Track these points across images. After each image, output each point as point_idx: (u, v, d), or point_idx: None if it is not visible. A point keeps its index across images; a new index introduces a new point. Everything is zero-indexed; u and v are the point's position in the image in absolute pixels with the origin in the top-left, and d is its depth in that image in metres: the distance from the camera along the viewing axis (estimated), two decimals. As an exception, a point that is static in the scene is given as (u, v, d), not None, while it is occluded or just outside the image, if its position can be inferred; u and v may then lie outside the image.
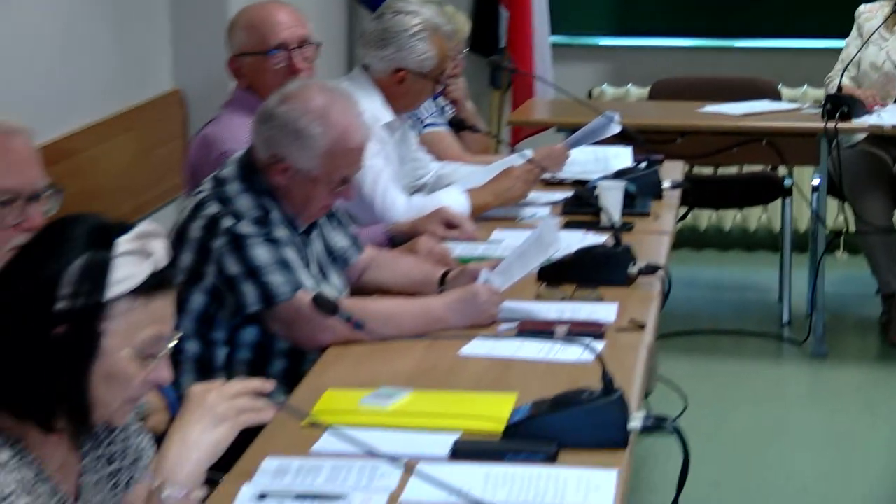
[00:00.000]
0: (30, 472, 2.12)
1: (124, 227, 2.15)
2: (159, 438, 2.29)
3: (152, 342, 2.15)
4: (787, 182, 6.58)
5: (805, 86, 7.33)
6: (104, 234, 2.13)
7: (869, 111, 5.97)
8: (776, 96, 6.75)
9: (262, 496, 2.55)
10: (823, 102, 6.01)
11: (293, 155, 3.47)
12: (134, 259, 2.11)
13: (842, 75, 6.11)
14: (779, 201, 6.72)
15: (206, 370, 3.46)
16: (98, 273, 2.09)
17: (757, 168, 6.91)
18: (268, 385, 2.13)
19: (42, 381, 2.10)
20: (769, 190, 6.78)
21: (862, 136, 6.29)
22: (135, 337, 2.13)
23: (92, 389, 2.13)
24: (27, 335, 2.10)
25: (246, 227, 3.41)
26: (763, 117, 6.14)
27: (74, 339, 2.10)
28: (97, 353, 2.11)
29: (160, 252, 2.14)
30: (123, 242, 2.12)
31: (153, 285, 2.13)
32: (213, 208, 3.44)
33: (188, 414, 2.05)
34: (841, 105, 5.87)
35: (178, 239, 3.44)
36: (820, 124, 5.88)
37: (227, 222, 3.41)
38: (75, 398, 2.13)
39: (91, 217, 2.19)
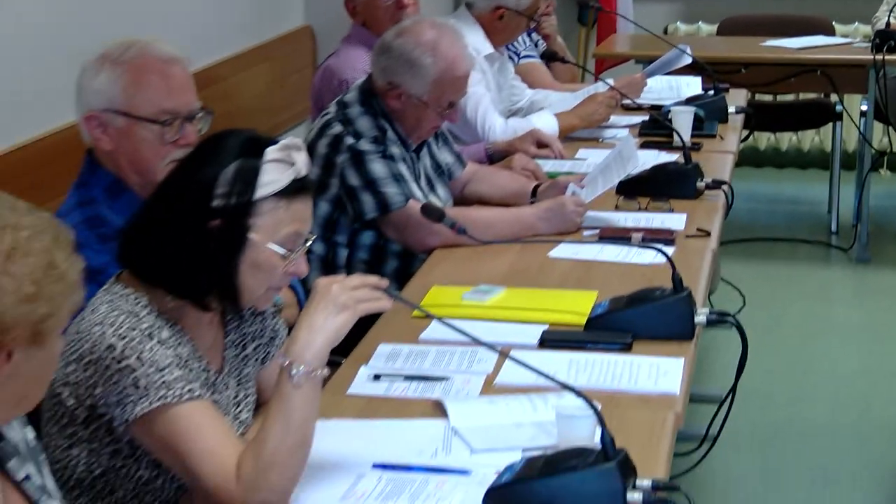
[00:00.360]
0: (185, 350, 2.15)
1: (272, 140, 2.18)
2: (290, 329, 2.31)
3: (292, 238, 2.17)
4: (838, 108, 6.48)
5: (856, 23, 7.17)
6: (255, 145, 2.15)
7: (914, 45, 5.86)
8: (830, 32, 6.63)
9: (377, 377, 2.57)
10: (872, 38, 5.93)
11: (407, 82, 3.47)
12: (279, 166, 2.13)
13: (889, 14, 5.98)
14: (830, 125, 6.63)
15: (329, 269, 3.48)
16: (249, 176, 2.12)
17: (811, 95, 6.80)
18: (383, 282, 2.13)
19: (199, 265, 2.14)
20: (822, 115, 6.69)
21: (907, 67, 6.16)
22: (278, 233, 2.15)
23: (240, 276, 2.15)
24: (188, 227, 2.13)
25: (365, 145, 3.42)
26: (818, 51, 6.05)
27: (227, 231, 2.13)
28: (246, 244, 2.14)
29: (301, 162, 2.16)
30: (271, 152, 2.14)
31: (294, 189, 2.15)
32: (337, 128, 3.45)
33: (314, 303, 2.06)
34: (888, 40, 5.79)
35: (307, 155, 3.46)
36: (869, 57, 5.80)
37: (349, 140, 3.42)
38: (226, 282, 2.16)
39: (244, 131, 2.21)
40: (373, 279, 2.13)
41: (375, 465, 2.18)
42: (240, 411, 2.32)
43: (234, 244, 2.13)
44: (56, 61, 3.49)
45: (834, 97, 6.54)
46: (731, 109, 4.79)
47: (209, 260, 2.13)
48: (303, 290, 2.95)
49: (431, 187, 3.66)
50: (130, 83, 2.62)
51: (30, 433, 1.82)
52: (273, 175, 2.13)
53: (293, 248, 2.17)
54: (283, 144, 2.15)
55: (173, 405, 2.04)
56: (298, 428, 2.02)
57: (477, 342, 2.15)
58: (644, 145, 4.34)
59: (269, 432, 2.01)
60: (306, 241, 2.20)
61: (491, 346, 2.20)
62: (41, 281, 1.62)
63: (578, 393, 2.06)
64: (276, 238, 2.15)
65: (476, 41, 4.43)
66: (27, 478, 1.76)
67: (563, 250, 3.33)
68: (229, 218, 2.12)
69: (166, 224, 2.15)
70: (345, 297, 2.07)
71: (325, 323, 2.05)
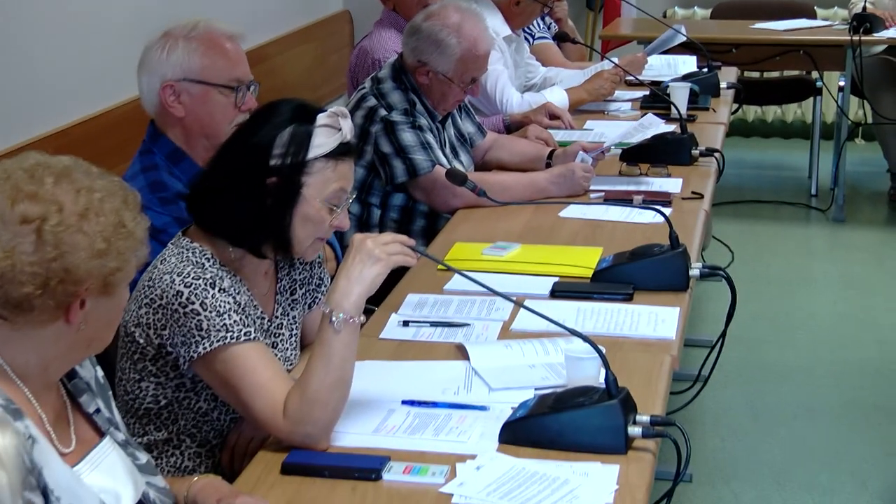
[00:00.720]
0: (243, 298, 2.15)
1: (320, 108, 2.18)
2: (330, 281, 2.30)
3: (338, 195, 2.18)
4: (819, 84, 6.41)
5: (835, 7, 7.07)
6: (306, 112, 2.15)
7: (887, 28, 5.80)
8: (812, 15, 6.55)
9: (406, 323, 2.56)
10: (850, 20, 5.85)
11: (434, 60, 3.45)
12: (328, 131, 2.14)
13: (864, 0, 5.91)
14: (811, 99, 6.56)
15: (363, 227, 3.47)
16: (302, 139, 2.12)
17: (794, 73, 6.72)
18: (411, 241, 2.11)
19: (258, 218, 2.14)
20: (804, 90, 6.62)
21: (881, 47, 6.08)
22: (326, 190, 2.16)
23: (293, 227, 2.16)
24: (248, 184, 2.13)
25: (396, 116, 3.40)
26: (801, 32, 5.98)
27: (282, 187, 2.13)
28: (299, 199, 2.14)
29: (347, 128, 2.16)
30: (321, 118, 2.14)
31: (341, 152, 2.16)
32: (371, 101, 3.43)
33: (351, 256, 2.05)
34: (864, 22, 5.73)
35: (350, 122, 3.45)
36: (847, 38, 5.74)
37: (382, 112, 3.41)
38: (281, 232, 2.16)
39: (294, 99, 2.21)
40: (402, 237, 2.11)
41: (404, 402, 2.17)
42: (287, 349, 2.32)
43: (288, 199, 2.14)
44: (119, 42, 3.48)
45: (815, 74, 6.46)
46: (723, 85, 4.76)
47: (267, 213, 2.14)
48: (339, 246, 2.94)
49: (455, 154, 3.64)
50: (205, 55, 2.63)
51: (99, 371, 1.82)
52: (323, 139, 2.13)
53: (338, 203, 2.18)
54: (331, 112, 2.16)
55: (231, 345, 2.04)
56: (338, 368, 2.02)
57: (494, 293, 2.13)
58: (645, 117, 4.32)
59: (313, 373, 2.01)
60: (349, 198, 2.21)
61: (507, 297, 2.19)
62: (111, 238, 1.61)
63: (585, 338, 2.05)
64: (324, 194, 2.15)
65: (495, 24, 4.39)
66: (97, 411, 1.76)
67: (572, 211, 3.31)
68: (285, 176, 2.13)
69: (229, 181, 2.15)
70: (378, 250, 2.06)
71: (361, 274, 2.04)
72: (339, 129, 2.15)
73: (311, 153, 2.13)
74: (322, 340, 2.02)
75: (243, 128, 2.22)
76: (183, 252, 2.13)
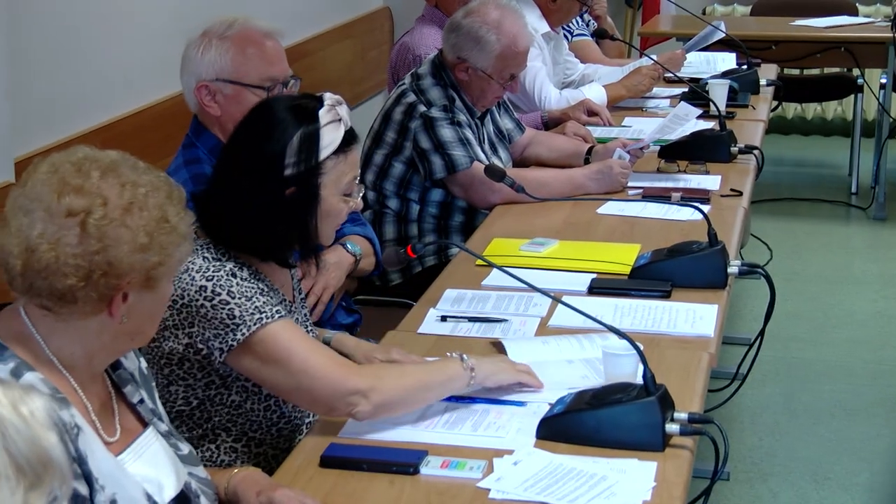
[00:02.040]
0: (263, 285, 2.14)
1: (314, 102, 2.14)
2: (368, 277, 2.31)
3: (351, 183, 2.19)
4: (860, 81, 6.35)
5: (877, 4, 7.00)
6: (304, 111, 2.12)
7: (929, 25, 5.73)
8: (853, 12, 6.49)
9: (444, 318, 2.57)
10: (892, 17, 5.79)
11: (473, 57, 3.45)
12: (333, 126, 2.13)
13: (908, -4, 5.86)
14: (852, 96, 6.51)
15: (402, 222, 3.47)
16: (311, 142, 2.11)
17: (835, 70, 6.66)
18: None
19: (282, 229, 2.13)
20: (844, 87, 6.56)
21: (923, 44, 6.02)
22: (341, 183, 2.16)
23: (319, 229, 2.16)
24: (266, 200, 2.12)
25: (435, 112, 3.40)
26: (842, 29, 5.93)
27: (302, 194, 2.13)
28: (319, 201, 2.14)
29: (346, 114, 2.16)
30: (324, 115, 2.12)
31: (347, 141, 2.16)
32: (411, 97, 3.43)
33: (508, 369, 2.20)
34: (907, 19, 5.67)
35: (385, 120, 3.46)
36: (888, 34, 5.68)
37: (422, 108, 3.41)
38: (306, 237, 2.16)
39: (281, 99, 2.21)
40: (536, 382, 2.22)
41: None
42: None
43: (309, 204, 2.13)
44: (164, 38, 3.50)
45: (856, 71, 6.41)
46: (763, 82, 4.73)
47: (290, 222, 2.13)
48: (378, 241, 2.95)
49: (494, 150, 3.64)
50: (237, 55, 2.63)
51: (143, 363, 1.83)
52: (330, 136, 2.12)
53: (352, 191, 2.19)
54: (329, 105, 2.13)
55: (268, 324, 2.04)
56: (428, 398, 2.10)
57: (534, 289, 2.14)
58: (684, 114, 4.30)
59: (410, 384, 2.08)
60: (359, 181, 2.22)
61: (545, 293, 2.19)
62: (154, 232, 1.62)
63: (623, 335, 2.05)
64: (340, 188, 2.16)
65: (534, 21, 4.38)
66: (141, 401, 1.78)
67: (610, 207, 3.30)
68: (301, 182, 2.12)
69: (243, 198, 2.12)
70: (512, 373, 2.18)
71: (499, 374, 2.17)
72: (341, 119, 2.13)
73: (323, 153, 2.12)
74: (443, 371, 2.12)
75: (241, 140, 2.17)
76: (197, 250, 2.10)
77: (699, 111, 3.71)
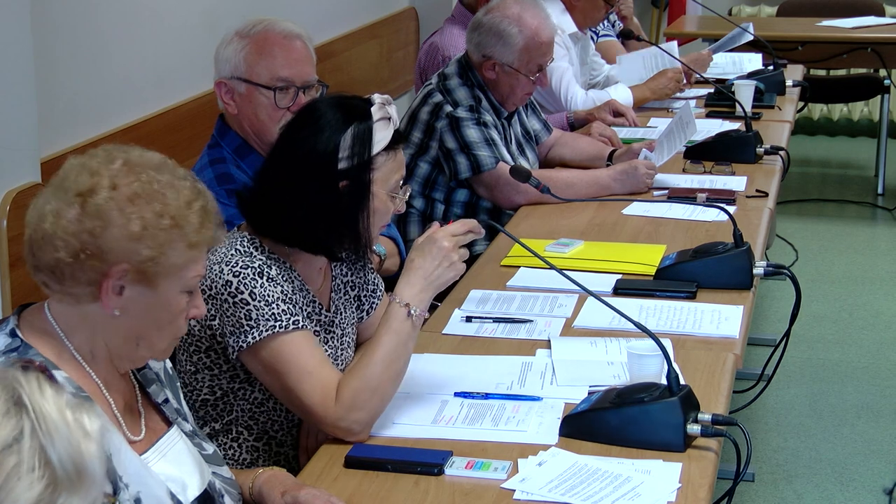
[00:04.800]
0: (291, 286, 2.14)
1: (361, 99, 2.15)
2: (393, 277, 2.29)
3: (398, 183, 2.18)
4: (886, 82, 6.31)
5: (904, 5, 6.96)
6: (359, 109, 2.13)
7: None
8: (880, 13, 6.45)
9: (469, 319, 2.55)
10: (919, 18, 5.74)
11: (498, 52, 3.45)
12: (384, 123, 2.13)
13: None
14: (878, 97, 6.48)
15: (427, 222, 3.46)
16: (365, 137, 2.11)
17: (861, 71, 6.62)
18: (481, 229, 2.12)
19: (334, 222, 2.13)
20: (871, 88, 6.52)
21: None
22: (390, 181, 2.16)
23: (370, 224, 2.16)
24: (320, 193, 2.12)
25: (461, 113, 3.39)
26: (869, 30, 5.89)
27: (356, 188, 2.12)
28: (370, 196, 2.13)
29: (395, 114, 2.16)
30: (375, 112, 2.13)
31: (396, 140, 2.16)
32: (437, 97, 3.43)
33: (432, 256, 2.06)
34: (935, 20, 5.62)
35: (411, 120, 3.46)
36: (916, 36, 5.64)
37: (448, 108, 3.40)
38: (357, 232, 2.15)
39: (327, 98, 2.20)
40: (472, 224, 2.12)
41: (457, 394, 2.18)
42: (341, 346, 2.31)
43: (360, 198, 2.13)
44: (192, 39, 3.50)
45: (882, 72, 6.37)
46: (789, 83, 4.70)
47: (343, 216, 2.13)
48: (402, 241, 2.94)
49: (521, 151, 3.63)
50: (251, 53, 2.62)
51: (168, 363, 1.83)
52: (382, 133, 2.12)
53: (398, 192, 2.19)
54: (380, 104, 2.14)
55: (279, 334, 2.04)
56: (403, 359, 2.04)
57: (557, 289, 2.12)
58: (709, 115, 4.28)
59: (375, 361, 2.01)
60: (404, 184, 2.22)
61: (570, 293, 2.17)
62: (150, 225, 1.59)
63: (651, 333, 2.03)
64: (388, 186, 2.16)
65: (562, 21, 4.37)
66: (165, 401, 1.77)
67: (636, 208, 3.28)
68: (354, 176, 2.12)
69: (296, 191, 2.12)
70: (457, 256, 2.07)
71: (438, 277, 2.07)
72: (391, 118, 2.14)
73: (375, 149, 2.12)
74: (393, 331, 2.03)
75: (293, 135, 2.16)
76: (232, 242, 2.13)
77: (692, 115, 3.63)
